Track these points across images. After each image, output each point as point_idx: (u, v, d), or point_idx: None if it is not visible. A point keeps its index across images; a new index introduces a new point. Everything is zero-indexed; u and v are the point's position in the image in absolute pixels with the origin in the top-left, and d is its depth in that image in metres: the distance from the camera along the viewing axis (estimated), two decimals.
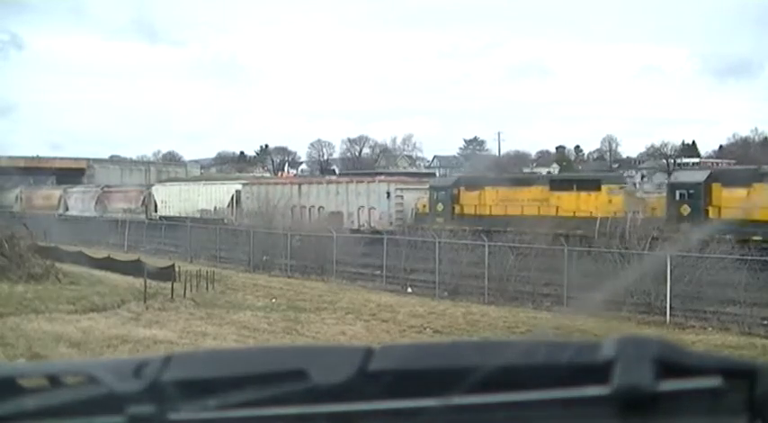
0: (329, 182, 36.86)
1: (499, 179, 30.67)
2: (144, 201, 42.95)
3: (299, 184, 36.00)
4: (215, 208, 37.19)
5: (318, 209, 32.59)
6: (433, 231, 23.33)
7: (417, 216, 29.11)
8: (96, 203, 46.01)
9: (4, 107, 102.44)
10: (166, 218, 38.57)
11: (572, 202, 25.45)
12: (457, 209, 28.08)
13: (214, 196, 38.25)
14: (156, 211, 41.44)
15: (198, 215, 36.52)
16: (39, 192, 53.67)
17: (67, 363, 4.17)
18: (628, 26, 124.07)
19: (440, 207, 28.20)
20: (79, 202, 47.82)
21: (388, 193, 30.59)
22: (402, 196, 30.47)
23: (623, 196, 25.91)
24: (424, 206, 29.24)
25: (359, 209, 31.32)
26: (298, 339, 13.86)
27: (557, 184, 27.63)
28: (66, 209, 48.27)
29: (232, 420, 1.08)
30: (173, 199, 40.83)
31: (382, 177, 35.16)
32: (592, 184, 26.21)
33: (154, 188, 44.00)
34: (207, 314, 16.22)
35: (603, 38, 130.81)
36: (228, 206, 36.87)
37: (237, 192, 36.64)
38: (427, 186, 30.94)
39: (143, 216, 41.02)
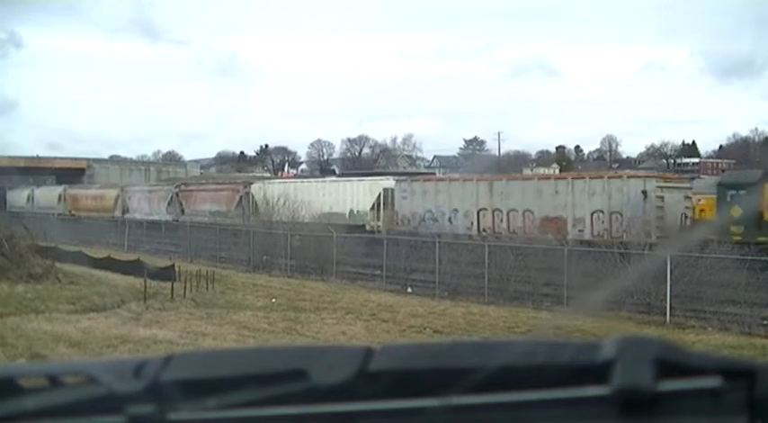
0: (541, 178, 29.35)
1: None
2: (240, 202, 35.85)
3: (491, 181, 27.73)
4: (351, 211, 30.47)
5: (524, 213, 25.72)
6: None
7: (695, 224, 22.38)
8: (169, 205, 39.55)
9: (4, 107, 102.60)
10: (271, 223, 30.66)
11: None
12: (767, 215, 20.40)
13: (348, 197, 31.08)
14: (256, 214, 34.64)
15: (321, 220, 28.87)
16: (88, 191, 47.54)
17: (67, 363, 4.17)
18: (628, 25, 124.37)
19: (736, 211, 20.79)
20: (145, 203, 41.31)
21: (645, 193, 23.10)
22: (662, 197, 23.26)
23: None
24: (703, 211, 22.86)
25: (593, 214, 24.07)
26: (298, 339, 13.85)
27: None
28: (126, 211, 42.00)
29: (232, 420, 1.08)
30: (281, 200, 32.58)
31: (631, 172, 28.71)
32: None
33: (254, 187, 36.05)
34: (207, 314, 16.22)
35: (604, 37, 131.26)
36: (372, 209, 30.29)
37: (386, 190, 29.93)
38: (688, 185, 24.83)
39: (238, 220, 33.64)
